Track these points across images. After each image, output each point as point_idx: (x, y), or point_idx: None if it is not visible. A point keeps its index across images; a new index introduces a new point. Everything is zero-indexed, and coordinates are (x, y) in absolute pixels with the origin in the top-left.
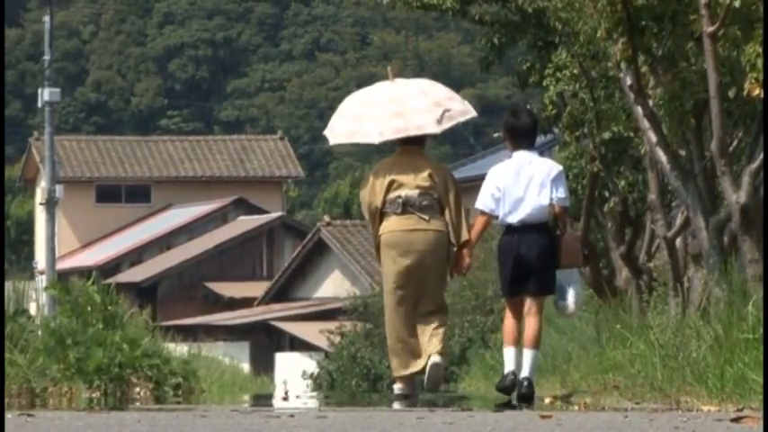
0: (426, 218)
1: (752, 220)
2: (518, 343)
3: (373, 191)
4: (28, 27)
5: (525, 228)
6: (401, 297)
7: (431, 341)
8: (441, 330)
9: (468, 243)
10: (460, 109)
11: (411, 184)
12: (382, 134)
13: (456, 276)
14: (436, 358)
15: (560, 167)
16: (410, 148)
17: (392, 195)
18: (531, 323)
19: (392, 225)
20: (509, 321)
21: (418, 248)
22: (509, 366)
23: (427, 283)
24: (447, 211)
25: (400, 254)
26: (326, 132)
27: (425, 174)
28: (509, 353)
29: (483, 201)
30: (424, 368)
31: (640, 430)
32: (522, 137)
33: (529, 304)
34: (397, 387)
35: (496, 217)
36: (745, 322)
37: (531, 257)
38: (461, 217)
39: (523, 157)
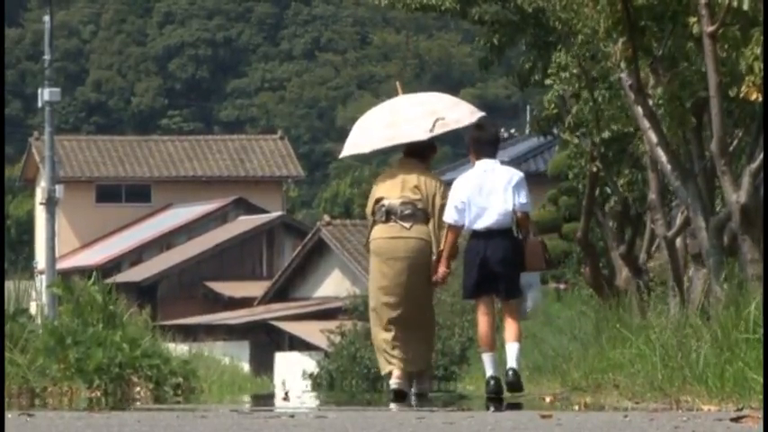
0: (407, 226)
1: (752, 220)
2: (494, 347)
3: (370, 201)
4: (28, 27)
5: (491, 233)
6: (384, 301)
7: (414, 359)
8: (424, 344)
9: (440, 254)
10: (455, 117)
11: (396, 194)
12: (373, 144)
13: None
14: (419, 388)
15: (521, 174)
16: (408, 161)
17: (378, 205)
18: (509, 324)
19: (377, 233)
20: (482, 324)
21: (400, 255)
22: (489, 371)
23: (411, 289)
24: (432, 220)
25: (384, 260)
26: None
27: (412, 185)
28: (487, 358)
29: (449, 213)
30: (408, 373)
31: (640, 430)
32: (486, 146)
33: (503, 309)
34: (393, 381)
35: (463, 226)
36: (745, 322)
37: (496, 261)
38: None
39: (486, 166)
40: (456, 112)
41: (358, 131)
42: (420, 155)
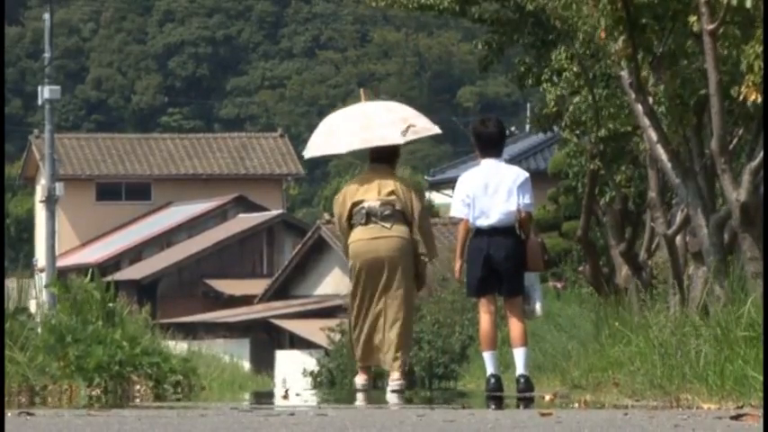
0: (388, 226)
1: (752, 218)
2: (496, 345)
3: (343, 204)
4: (28, 25)
5: (494, 231)
6: (366, 298)
7: (391, 351)
8: (401, 338)
9: (431, 258)
10: (425, 126)
11: (374, 196)
12: (350, 144)
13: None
14: (395, 385)
15: (527, 174)
16: (378, 166)
17: (357, 208)
18: (514, 323)
19: (358, 234)
20: (484, 323)
21: (382, 254)
22: (490, 369)
23: (392, 286)
24: (414, 225)
25: (366, 260)
26: (305, 151)
27: (388, 188)
28: (488, 356)
29: (456, 207)
30: (384, 370)
31: (640, 428)
32: (490, 145)
33: (507, 307)
34: (359, 380)
35: (468, 220)
36: (745, 320)
37: (499, 259)
38: (427, 233)
39: (491, 165)
40: (422, 122)
41: (325, 133)
42: (388, 160)
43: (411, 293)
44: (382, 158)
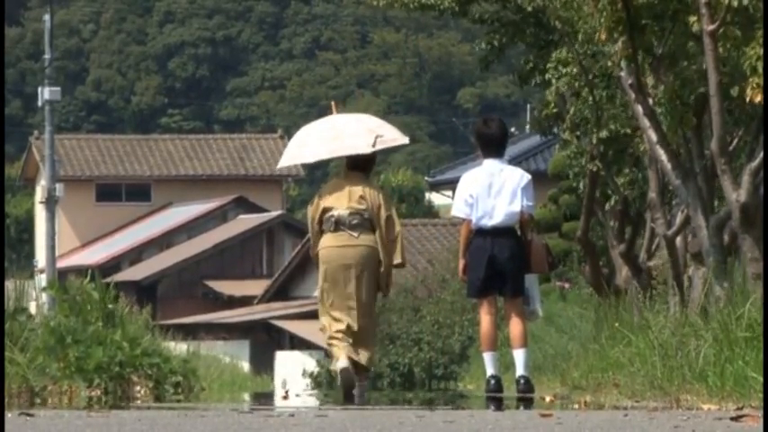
0: (356, 234)
1: (752, 219)
2: (496, 346)
3: (315, 210)
4: (28, 26)
5: (497, 232)
6: (334, 303)
7: (358, 351)
8: (368, 344)
9: (400, 266)
10: (392, 136)
11: (344, 204)
12: (317, 154)
13: (385, 295)
14: (345, 364)
15: (529, 176)
16: (352, 173)
17: (327, 215)
18: (514, 323)
19: (327, 241)
20: (485, 324)
21: (349, 262)
22: (490, 370)
23: (358, 292)
24: (378, 231)
25: (333, 267)
26: (279, 161)
27: (357, 196)
28: (488, 357)
29: (459, 207)
30: (354, 365)
31: (640, 429)
32: (492, 146)
33: (507, 307)
34: (340, 363)
35: (471, 221)
36: (745, 321)
37: (503, 260)
38: (394, 239)
39: (494, 166)
40: (389, 132)
41: (296, 145)
42: (363, 168)
43: (374, 301)
44: (357, 166)
